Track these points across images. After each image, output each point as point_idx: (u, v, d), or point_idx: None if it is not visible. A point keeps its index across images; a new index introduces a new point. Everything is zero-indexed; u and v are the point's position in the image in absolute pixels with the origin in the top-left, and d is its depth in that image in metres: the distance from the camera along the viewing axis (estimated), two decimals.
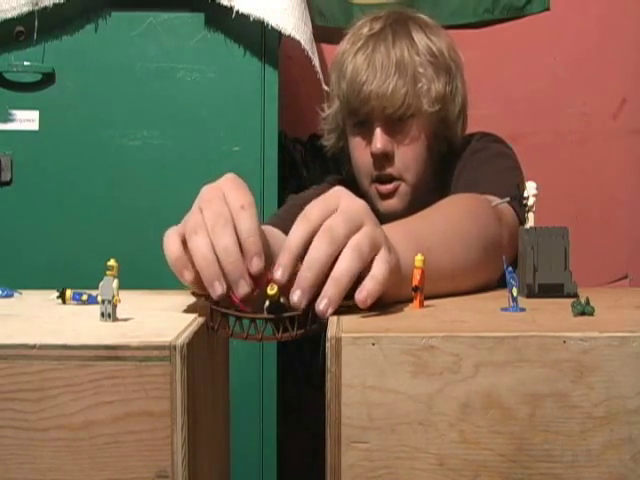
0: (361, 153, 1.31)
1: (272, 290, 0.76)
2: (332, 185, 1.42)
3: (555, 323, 0.77)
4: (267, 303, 0.78)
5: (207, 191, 0.83)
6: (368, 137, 1.30)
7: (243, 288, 0.76)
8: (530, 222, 0.98)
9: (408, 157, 1.29)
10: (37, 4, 1.52)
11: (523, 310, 0.83)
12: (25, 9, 1.52)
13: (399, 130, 1.28)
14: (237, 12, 1.52)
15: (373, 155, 1.28)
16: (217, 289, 0.77)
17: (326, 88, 1.60)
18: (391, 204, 1.30)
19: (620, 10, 2.13)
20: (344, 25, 2.13)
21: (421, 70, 1.28)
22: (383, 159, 1.28)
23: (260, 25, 1.55)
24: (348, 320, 0.77)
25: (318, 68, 1.60)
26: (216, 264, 0.76)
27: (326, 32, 2.07)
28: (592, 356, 0.69)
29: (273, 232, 0.99)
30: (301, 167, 1.92)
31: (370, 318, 0.79)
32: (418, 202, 1.29)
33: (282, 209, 1.40)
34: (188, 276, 0.80)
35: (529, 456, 0.69)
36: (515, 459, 0.69)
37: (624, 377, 0.69)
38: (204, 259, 0.77)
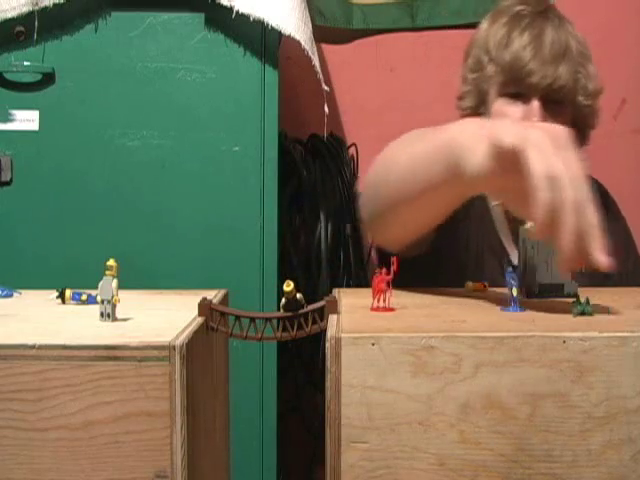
0: (512, 118, 1.31)
1: (288, 287, 0.76)
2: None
3: (555, 323, 0.77)
4: (283, 300, 0.78)
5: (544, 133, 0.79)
6: (522, 108, 1.30)
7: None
8: (530, 222, 0.97)
9: None
10: (37, 4, 1.52)
11: (523, 310, 0.83)
12: (25, 9, 1.52)
13: (551, 112, 1.30)
14: (237, 12, 1.52)
15: None
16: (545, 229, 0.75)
17: (326, 88, 1.60)
18: None
19: (620, 10, 2.13)
20: (344, 25, 2.15)
21: (582, 61, 1.31)
22: None
23: (260, 25, 1.54)
24: (348, 320, 0.77)
25: (318, 68, 1.60)
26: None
27: (326, 32, 2.07)
28: (592, 356, 0.69)
29: None
30: (301, 167, 1.92)
31: (370, 318, 0.79)
32: None
33: None
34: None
35: (529, 456, 0.69)
36: (515, 459, 0.69)
37: (624, 377, 0.69)
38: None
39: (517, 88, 1.31)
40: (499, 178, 0.81)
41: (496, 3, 2.11)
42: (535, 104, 1.29)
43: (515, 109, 1.31)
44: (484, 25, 1.39)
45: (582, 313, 0.80)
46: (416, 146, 0.96)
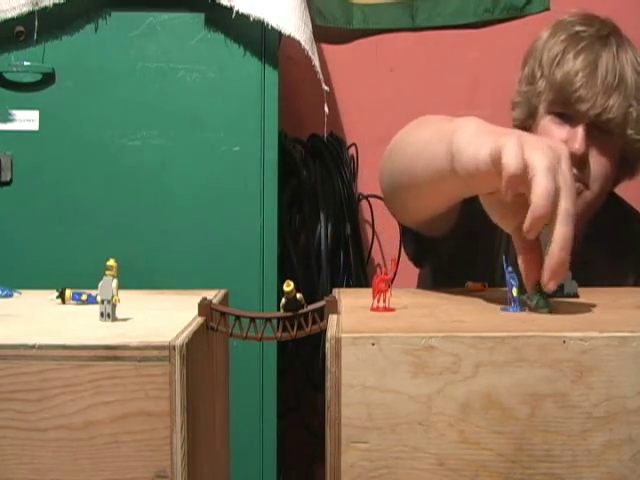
0: (553, 139, 1.30)
1: (288, 287, 0.76)
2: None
3: (555, 323, 0.77)
4: (283, 300, 0.78)
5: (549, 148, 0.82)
6: (567, 131, 1.27)
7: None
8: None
9: (598, 169, 1.27)
10: (37, 4, 1.52)
11: (523, 310, 0.83)
12: (25, 9, 1.52)
13: (597, 141, 1.26)
14: (237, 12, 1.52)
15: (570, 153, 1.27)
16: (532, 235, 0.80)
17: (326, 88, 1.60)
18: None
19: (620, 10, 2.13)
20: (344, 25, 2.15)
21: (636, 93, 1.27)
22: (578, 161, 1.25)
23: (260, 25, 1.55)
24: (348, 320, 0.77)
25: (318, 68, 1.60)
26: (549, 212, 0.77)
27: (326, 32, 2.08)
28: (592, 356, 0.69)
29: None
30: (301, 167, 1.92)
31: (370, 318, 0.79)
32: (586, 218, 1.28)
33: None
34: (509, 196, 0.80)
35: (529, 456, 0.69)
36: (515, 459, 0.69)
37: (624, 377, 0.69)
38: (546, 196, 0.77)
39: (565, 109, 1.27)
40: (491, 182, 0.81)
41: (496, 3, 2.12)
42: (580, 131, 1.25)
43: (560, 131, 1.28)
44: (543, 35, 1.34)
45: (536, 305, 0.82)
46: (427, 131, 0.97)
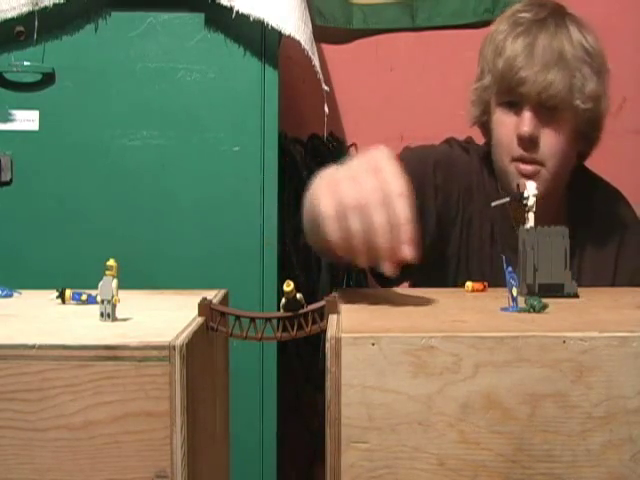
0: (507, 132, 1.31)
1: (288, 287, 0.76)
2: (458, 147, 1.38)
3: (555, 323, 0.77)
4: (283, 300, 0.78)
5: (364, 162, 0.89)
6: (516, 118, 1.30)
7: (388, 267, 0.84)
8: (530, 222, 0.97)
9: (553, 145, 1.29)
10: (37, 4, 1.52)
11: (523, 310, 0.83)
12: (25, 9, 1.52)
13: (547, 119, 1.29)
14: (237, 12, 1.52)
15: (519, 137, 1.29)
16: (363, 262, 0.84)
17: (326, 88, 1.60)
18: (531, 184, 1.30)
19: (620, 10, 2.13)
20: (344, 25, 2.14)
21: (578, 66, 1.29)
22: (528, 143, 1.28)
23: (260, 25, 1.54)
24: (348, 320, 0.77)
25: (318, 68, 1.60)
26: (367, 240, 0.83)
27: (326, 32, 2.07)
28: (592, 356, 0.69)
29: None
30: (301, 167, 1.92)
31: (370, 318, 0.79)
32: (551, 195, 1.30)
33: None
34: (335, 235, 0.85)
35: (529, 456, 0.69)
36: (515, 459, 0.69)
37: (624, 377, 0.69)
38: (359, 234, 0.83)
39: (511, 97, 1.30)
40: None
41: (496, 3, 2.12)
42: (526, 113, 1.27)
43: (510, 119, 1.30)
44: (489, 31, 1.37)
45: (532, 307, 0.82)
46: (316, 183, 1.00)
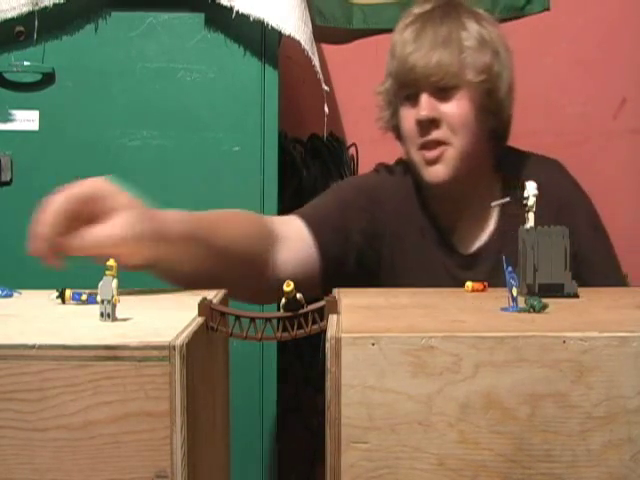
0: (409, 122, 1.35)
1: (288, 287, 0.76)
2: (384, 171, 1.45)
3: (555, 323, 0.77)
4: (283, 300, 0.78)
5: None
6: (415, 107, 1.33)
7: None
8: (530, 222, 0.98)
9: (455, 121, 1.32)
10: (37, 4, 1.52)
11: (523, 310, 0.83)
12: (25, 9, 1.52)
13: (445, 99, 1.32)
14: (237, 12, 1.52)
15: (419, 122, 1.32)
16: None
17: (326, 88, 1.60)
18: (437, 170, 1.33)
19: (620, 10, 2.13)
20: (344, 25, 2.14)
21: (467, 43, 1.32)
22: (429, 125, 1.32)
23: (260, 25, 1.54)
24: (348, 320, 0.77)
25: (318, 68, 1.60)
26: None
27: (326, 32, 2.07)
28: (592, 356, 0.69)
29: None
30: (301, 167, 1.92)
31: (370, 318, 0.79)
32: (464, 176, 1.33)
33: (322, 201, 1.42)
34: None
35: (529, 456, 0.69)
36: (515, 459, 0.69)
37: (624, 377, 0.69)
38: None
39: (408, 89, 1.34)
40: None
41: (496, 3, 2.12)
42: (422, 99, 1.31)
43: (411, 112, 1.34)
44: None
45: (532, 307, 0.82)
46: None
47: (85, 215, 0.98)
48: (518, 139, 1.44)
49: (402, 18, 1.39)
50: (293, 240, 1.25)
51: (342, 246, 1.33)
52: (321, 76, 1.60)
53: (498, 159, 1.40)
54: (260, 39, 1.58)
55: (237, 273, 1.11)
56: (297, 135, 2.00)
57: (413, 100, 1.33)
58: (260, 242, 1.19)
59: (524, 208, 0.99)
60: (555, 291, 0.93)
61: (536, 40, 2.12)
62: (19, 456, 0.68)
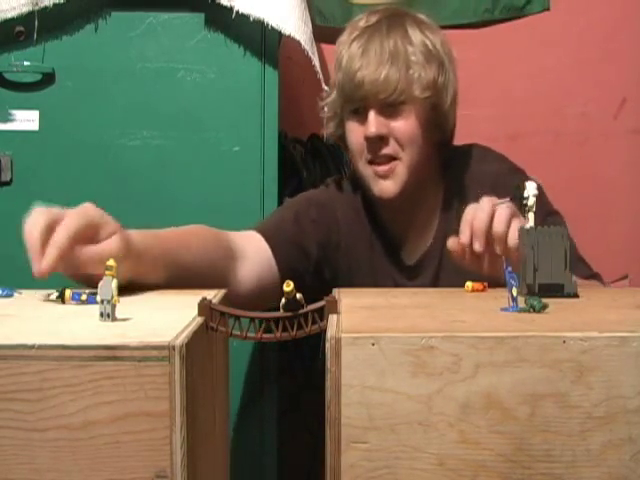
0: (357, 137, 1.36)
1: (288, 287, 0.76)
2: (333, 185, 1.45)
3: (555, 323, 0.77)
4: (283, 300, 0.78)
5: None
6: (363, 122, 1.34)
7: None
8: (530, 222, 0.97)
9: (403, 137, 1.33)
10: (37, 4, 1.52)
11: (523, 310, 0.83)
12: (25, 9, 1.52)
13: (393, 115, 1.33)
14: (237, 12, 1.52)
15: (367, 139, 1.33)
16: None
17: (326, 88, 1.60)
18: (387, 185, 1.35)
19: (620, 10, 2.13)
20: (344, 25, 2.14)
21: (413, 58, 1.32)
22: (378, 142, 1.33)
23: (260, 25, 1.54)
24: (348, 320, 0.77)
25: (318, 68, 1.60)
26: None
27: (326, 32, 2.07)
28: (592, 356, 0.69)
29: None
30: (301, 167, 1.92)
31: (370, 318, 0.79)
32: (413, 189, 1.35)
33: (278, 215, 1.45)
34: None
35: (529, 456, 0.69)
36: (515, 459, 0.69)
37: (624, 377, 0.69)
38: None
39: (355, 104, 1.34)
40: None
41: (496, 3, 2.12)
42: (370, 116, 1.32)
43: (358, 126, 1.35)
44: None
45: (532, 307, 0.82)
46: None
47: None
48: (518, 139, 1.44)
49: (347, 31, 1.39)
50: (252, 255, 1.28)
51: (300, 259, 1.35)
52: (321, 76, 1.60)
53: (443, 165, 1.42)
54: (260, 39, 1.58)
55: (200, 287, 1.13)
56: (297, 135, 2.00)
57: (360, 115, 1.34)
58: (219, 258, 1.21)
59: (524, 208, 0.99)
60: (555, 291, 0.93)
61: (536, 40, 2.12)
62: (19, 456, 0.68)
